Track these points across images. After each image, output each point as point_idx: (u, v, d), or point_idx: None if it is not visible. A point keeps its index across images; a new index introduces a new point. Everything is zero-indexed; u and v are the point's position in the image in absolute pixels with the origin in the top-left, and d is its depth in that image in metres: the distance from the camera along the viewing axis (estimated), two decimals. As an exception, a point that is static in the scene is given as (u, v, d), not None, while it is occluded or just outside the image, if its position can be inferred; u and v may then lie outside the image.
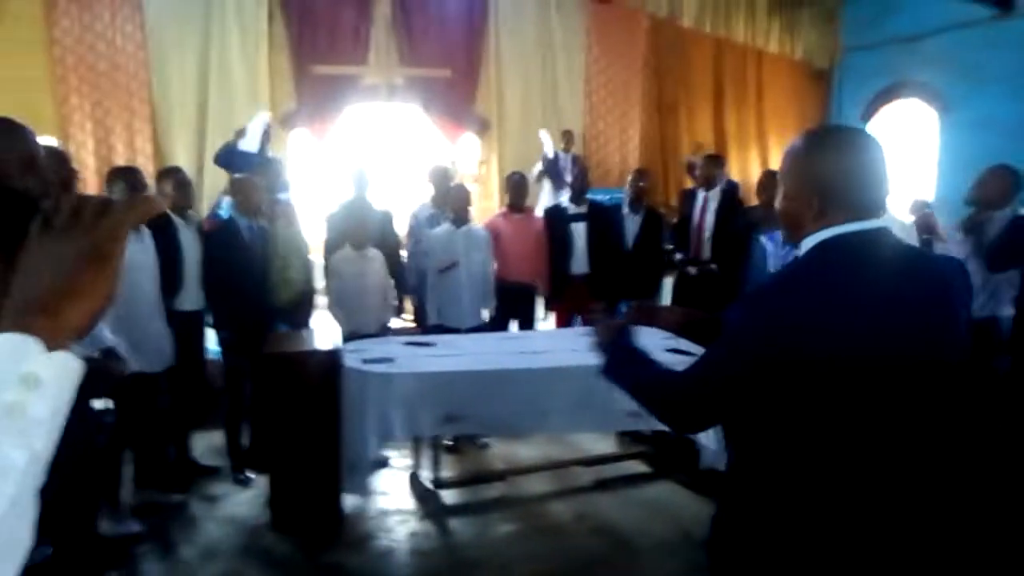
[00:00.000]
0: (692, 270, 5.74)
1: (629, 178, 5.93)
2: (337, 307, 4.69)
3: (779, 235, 4.55)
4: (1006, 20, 7.50)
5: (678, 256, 5.81)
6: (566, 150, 7.95)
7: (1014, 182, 4.16)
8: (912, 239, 4.74)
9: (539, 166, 7.89)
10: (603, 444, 5.03)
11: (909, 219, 5.80)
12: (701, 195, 5.80)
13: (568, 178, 7.05)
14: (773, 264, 4.55)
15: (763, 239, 4.70)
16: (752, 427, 1.44)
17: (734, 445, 1.54)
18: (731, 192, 6.30)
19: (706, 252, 5.73)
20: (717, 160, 6.06)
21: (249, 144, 5.98)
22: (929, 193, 7.53)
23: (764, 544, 1.46)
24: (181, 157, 7.35)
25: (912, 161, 8.73)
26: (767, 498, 1.45)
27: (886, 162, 1.43)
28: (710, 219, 5.72)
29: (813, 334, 1.30)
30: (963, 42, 8.05)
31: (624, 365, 1.70)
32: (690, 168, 7.89)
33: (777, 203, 1.50)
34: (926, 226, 4.87)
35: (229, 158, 6.46)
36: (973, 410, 1.51)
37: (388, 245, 5.23)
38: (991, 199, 4.18)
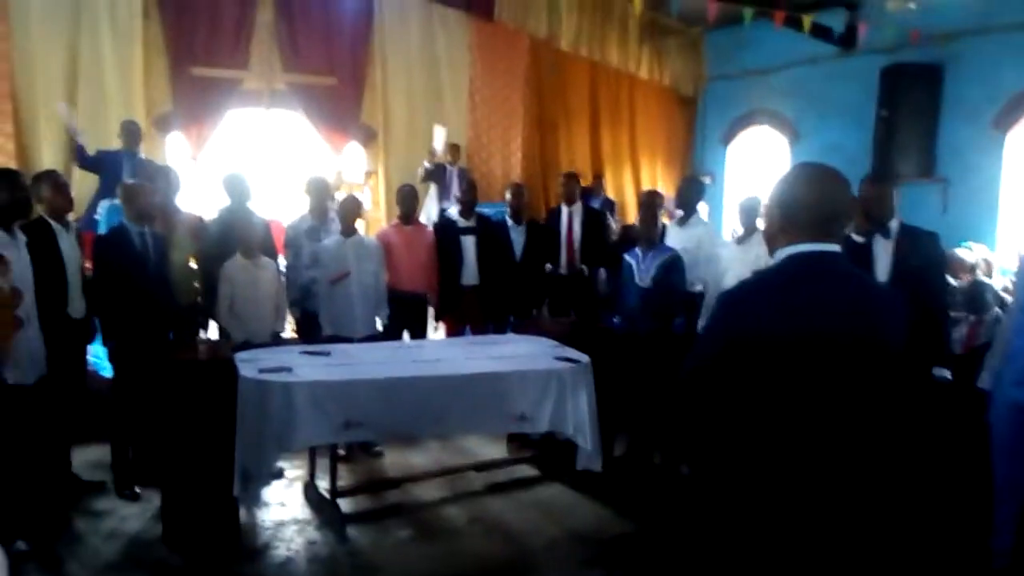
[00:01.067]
0: (563, 271, 6.14)
1: (508, 194, 6.21)
2: (229, 315, 4.63)
3: (639, 252, 4.96)
4: (849, 56, 8.38)
5: (548, 267, 6.16)
6: (452, 162, 8.12)
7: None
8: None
9: (426, 164, 7.99)
10: (494, 450, 5.23)
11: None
12: (565, 210, 6.21)
13: (456, 191, 7.22)
14: (638, 277, 4.92)
15: (626, 257, 5.08)
16: (720, 409, 1.79)
17: (703, 436, 1.88)
18: (599, 208, 6.82)
19: (578, 261, 6.16)
20: (574, 177, 6.50)
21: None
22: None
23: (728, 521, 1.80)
24: (46, 158, 6.92)
25: (766, 185, 9.53)
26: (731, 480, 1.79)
27: (843, 192, 1.80)
28: (577, 231, 6.16)
29: (768, 321, 1.69)
30: (810, 75, 8.92)
31: None
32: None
33: (760, 222, 1.93)
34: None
35: (95, 161, 6.22)
36: (899, 403, 1.87)
37: (270, 255, 5.19)
38: None
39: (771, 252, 1.85)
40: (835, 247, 1.77)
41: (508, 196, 6.18)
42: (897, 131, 7.64)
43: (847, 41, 8.28)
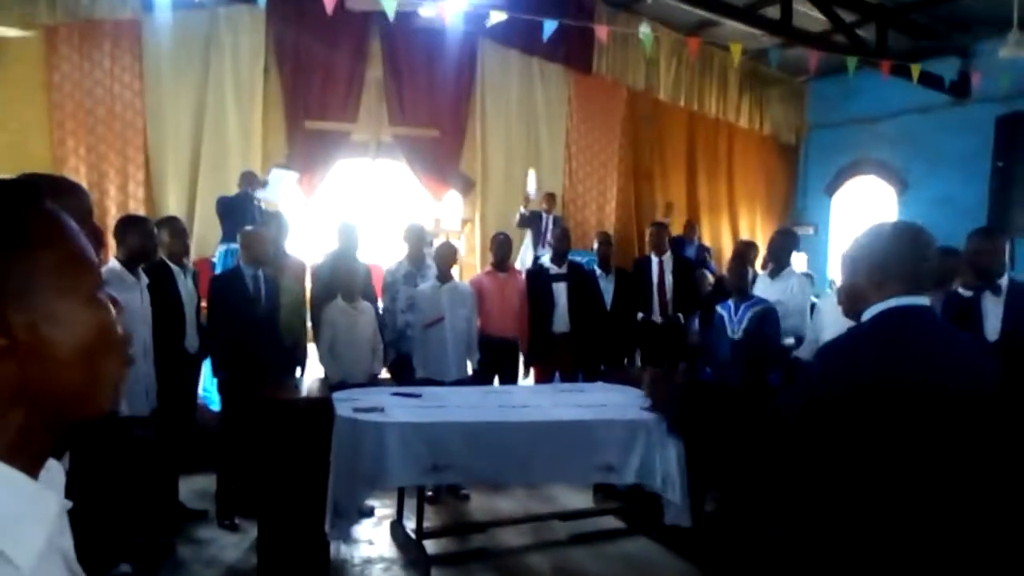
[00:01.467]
0: (657, 319, 6.11)
1: (595, 243, 6.27)
2: (329, 356, 4.85)
3: (731, 304, 4.89)
4: (962, 106, 8.07)
5: (640, 316, 6.17)
6: (548, 211, 8.24)
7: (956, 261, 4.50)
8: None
9: (522, 209, 8.17)
10: (579, 499, 5.20)
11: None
12: (656, 260, 6.23)
13: (550, 238, 7.33)
14: (731, 329, 4.85)
15: (719, 308, 5.02)
16: (818, 464, 1.76)
17: (799, 487, 1.86)
18: (692, 256, 6.78)
19: (670, 311, 6.16)
20: (663, 227, 6.55)
21: (271, 194, 6.24)
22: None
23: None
24: (172, 204, 7.51)
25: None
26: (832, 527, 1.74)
27: (930, 246, 1.81)
28: (669, 280, 6.17)
29: (878, 374, 1.68)
30: (921, 125, 8.61)
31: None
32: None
33: (842, 282, 1.96)
34: None
35: (230, 207, 6.66)
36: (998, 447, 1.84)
37: (369, 299, 5.44)
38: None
39: (855, 309, 1.84)
40: (927, 301, 1.78)
41: (596, 245, 6.25)
42: (1014, 182, 7.26)
43: (960, 90, 7.99)
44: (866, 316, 1.79)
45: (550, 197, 8.35)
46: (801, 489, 1.84)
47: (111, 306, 0.73)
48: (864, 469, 1.68)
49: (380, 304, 5.67)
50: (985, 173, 7.51)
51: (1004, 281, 3.67)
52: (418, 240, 5.81)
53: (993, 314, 3.71)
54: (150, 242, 4.05)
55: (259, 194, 6.37)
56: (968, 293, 3.70)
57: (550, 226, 7.97)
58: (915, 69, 7.43)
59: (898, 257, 1.76)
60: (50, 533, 0.65)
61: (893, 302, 1.74)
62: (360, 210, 8.37)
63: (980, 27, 7.17)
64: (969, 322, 3.74)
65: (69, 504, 0.70)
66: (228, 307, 4.49)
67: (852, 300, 1.86)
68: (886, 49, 7.66)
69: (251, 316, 4.51)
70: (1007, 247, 3.76)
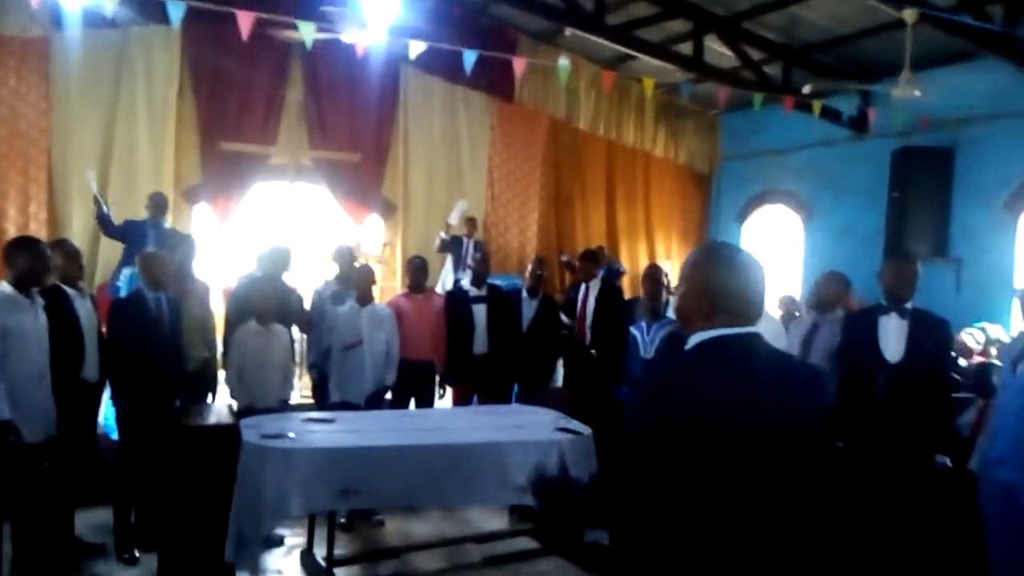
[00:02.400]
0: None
1: (529, 266, 6.40)
2: (237, 380, 4.73)
3: (644, 324, 5.03)
4: (862, 140, 8.53)
5: (566, 320, 6.34)
6: (468, 236, 8.28)
7: (846, 287, 4.76)
8: (779, 326, 5.34)
9: (442, 235, 8.19)
10: (494, 521, 5.20)
11: (777, 313, 6.51)
12: (583, 287, 6.39)
13: (470, 262, 7.38)
14: (643, 349, 4.98)
15: (632, 329, 5.15)
16: (643, 493, 1.68)
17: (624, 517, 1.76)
18: (610, 281, 7.06)
19: (587, 337, 6.24)
20: (591, 255, 6.68)
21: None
22: (796, 291, 8.27)
23: None
24: (76, 226, 7.23)
25: (780, 261, 9.59)
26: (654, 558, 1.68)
27: (763, 278, 1.76)
28: (591, 306, 6.29)
29: (691, 409, 1.59)
30: (824, 157, 9.06)
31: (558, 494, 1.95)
32: (568, 266, 8.85)
33: (674, 302, 1.84)
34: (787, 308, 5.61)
35: (121, 230, 6.46)
36: (819, 480, 1.80)
37: (303, 324, 5.40)
38: (827, 301, 4.76)
39: (684, 328, 1.79)
40: (756, 330, 1.73)
41: (529, 269, 6.34)
42: (910, 212, 7.69)
43: (858, 125, 8.44)
44: (690, 343, 1.73)
45: (471, 222, 8.40)
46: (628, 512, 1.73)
47: None
48: (674, 504, 1.62)
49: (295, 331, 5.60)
50: (883, 202, 7.94)
51: (909, 305, 3.87)
52: (347, 261, 5.81)
53: (896, 335, 3.88)
54: (40, 264, 3.86)
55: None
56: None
57: (470, 250, 8.02)
58: (816, 104, 7.83)
59: (731, 289, 1.70)
60: None
61: (716, 332, 1.68)
62: (278, 233, 8.25)
63: (877, 67, 7.61)
64: (866, 342, 3.93)
65: None
66: (130, 331, 4.33)
67: (682, 321, 1.82)
68: (790, 86, 8.06)
69: (155, 340, 4.37)
70: (916, 273, 3.94)
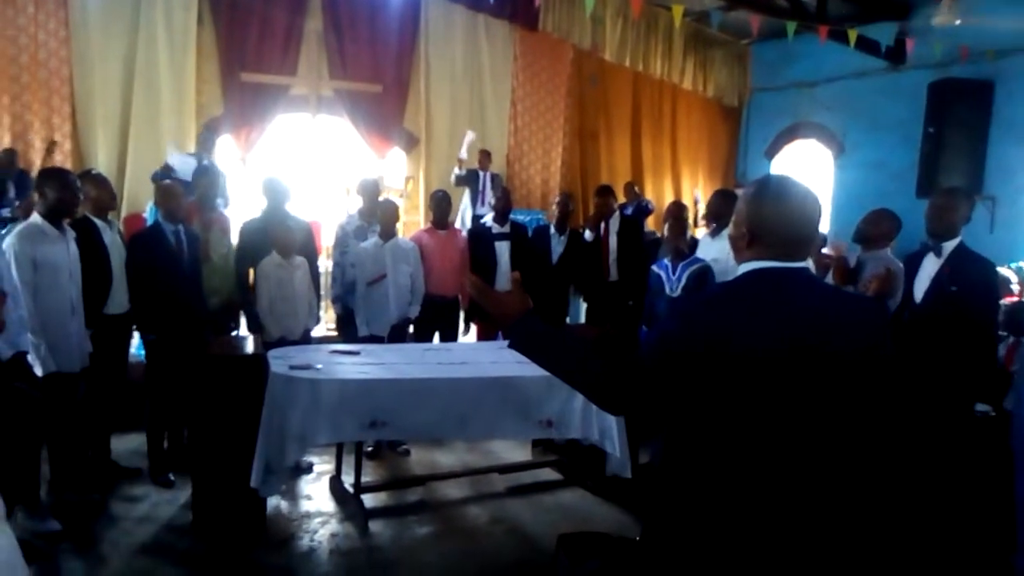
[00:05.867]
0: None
1: (556, 200, 6.30)
2: (267, 312, 4.78)
3: (668, 263, 4.97)
4: (898, 72, 8.24)
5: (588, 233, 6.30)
6: (483, 168, 8.15)
7: (895, 225, 4.64)
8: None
9: (456, 170, 8.07)
10: (518, 453, 5.29)
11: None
12: (602, 224, 6.31)
13: (490, 197, 7.31)
14: (669, 288, 4.94)
15: (655, 268, 5.10)
16: (677, 420, 1.69)
17: (663, 440, 1.76)
18: (633, 217, 6.93)
19: (612, 272, 6.22)
20: (607, 190, 6.57)
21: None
22: (824, 226, 8.14)
23: (691, 531, 1.67)
24: (101, 157, 7.23)
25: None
26: (693, 487, 1.67)
27: (814, 214, 1.70)
28: (613, 242, 6.23)
29: (730, 337, 1.57)
30: (858, 90, 8.78)
31: (543, 341, 1.85)
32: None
33: (729, 231, 1.80)
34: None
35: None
36: (881, 395, 1.74)
37: (307, 257, 5.34)
38: (873, 238, 4.64)
39: (736, 260, 1.76)
40: (803, 265, 1.70)
41: (555, 205, 6.26)
42: (944, 148, 7.48)
43: (895, 55, 8.14)
44: (739, 271, 1.72)
45: (485, 155, 8.23)
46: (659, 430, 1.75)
47: None
48: (711, 427, 1.62)
49: (325, 259, 5.60)
50: (917, 138, 7.72)
51: (950, 244, 3.74)
52: (372, 194, 5.76)
53: (927, 275, 3.79)
54: (70, 195, 3.88)
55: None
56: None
57: (487, 184, 7.93)
58: (852, 34, 7.53)
59: (775, 224, 1.67)
60: None
61: (756, 264, 1.67)
62: (300, 167, 8.23)
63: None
64: (907, 282, 3.84)
65: None
66: (149, 264, 4.36)
67: (733, 251, 1.80)
68: (825, 14, 7.75)
69: (175, 273, 4.41)
70: (962, 210, 3.79)
